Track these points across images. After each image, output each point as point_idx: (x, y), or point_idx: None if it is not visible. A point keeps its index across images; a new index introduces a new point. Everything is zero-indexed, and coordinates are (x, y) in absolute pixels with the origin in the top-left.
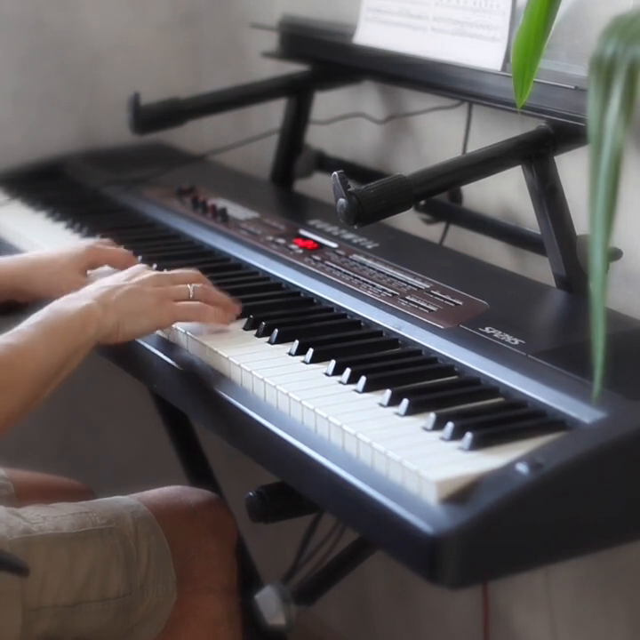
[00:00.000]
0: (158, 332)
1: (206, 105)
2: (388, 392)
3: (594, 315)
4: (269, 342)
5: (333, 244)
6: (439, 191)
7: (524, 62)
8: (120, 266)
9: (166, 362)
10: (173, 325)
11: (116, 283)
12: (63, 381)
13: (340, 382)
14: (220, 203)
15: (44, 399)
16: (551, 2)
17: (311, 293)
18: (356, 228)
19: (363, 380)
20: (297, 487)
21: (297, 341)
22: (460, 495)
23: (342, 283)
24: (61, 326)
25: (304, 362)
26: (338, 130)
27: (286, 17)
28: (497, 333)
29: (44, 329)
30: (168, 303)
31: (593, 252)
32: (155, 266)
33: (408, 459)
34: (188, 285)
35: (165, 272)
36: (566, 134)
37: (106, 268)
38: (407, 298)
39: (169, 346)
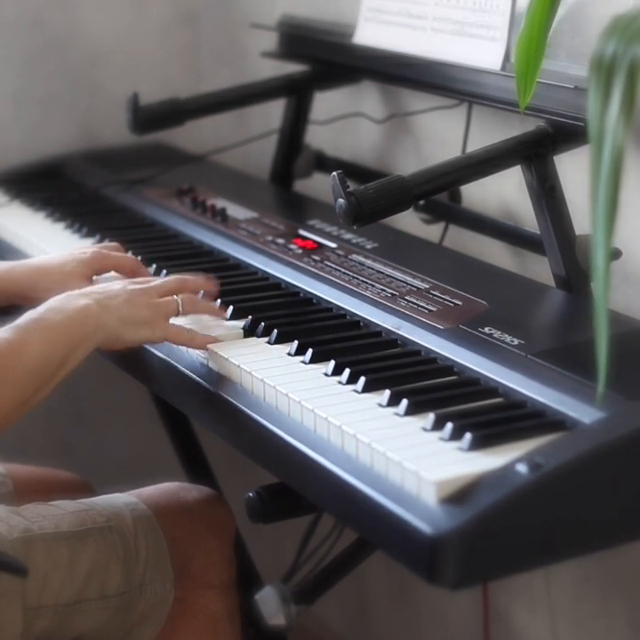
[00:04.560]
0: None
1: (206, 105)
2: (388, 392)
3: (597, 315)
4: (269, 342)
5: (333, 244)
6: (438, 191)
7: (526, 63)
8: (126, 271)
9: (166, 362)
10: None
11: (112, 289)
12: (63, 381)
13: (340, 382)
14: (220, 203)
15: (42, 399)
16: (552, 2)
17: (310, 293)
18: (355, 228)
19: (362, 380)
20: (296, 487)
21: (296, 341)
22: (460, 495)
23: (342, 283)
24: (59, 323)
25: (303, 362)
26: (337, 130)
27: (286, 17)
28: (496, 333)
29: (41, 325)
30: (162, 321)
31: (595, 253)
32: (154, 266)
33: (407, 459)
34: (176, 297)
35: (149, 285)
36: (566, 134)
37: (112, 273)
38: (406, 298)
39: (168, 347)
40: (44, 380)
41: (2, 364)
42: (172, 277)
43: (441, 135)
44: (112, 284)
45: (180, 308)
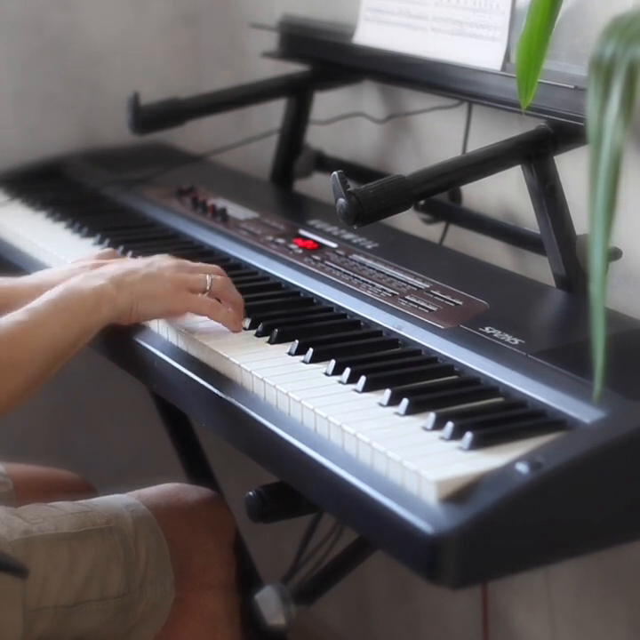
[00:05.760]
0: (158, 333)
1: (206, 105)
2: (388, 392)
3: (594, 315)
4: (269, 342)
5: (333, 244)
6: (439, 191)
7: (528, 63)
8: None
9: (166, 362)
10: (173, 325)
11: (134, 265)
12: (73, 359)
13: (340, 382)
14: (220, 203)
15: (53, 376)
16: (554, 2)
17: (311, 293)
18: (355, 227)
19: (362, 379)
20: (296, 487)
21: (297, 341)
22: (460, 495)
23: (342, 282)
24: (75, 305)
25: (304, 361)
26: (337, 130)
27: (286, 17)
28: (497, 333)
29: (56, 307)
30: (183, 292)
31: (593, 252)
32: None
33: (408, 458)
34: (207, 276)
35: (188, 262)
36: (566, 134)
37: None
38: (407, 298)
39: (169, 346)
40: (55, 361)
41: (17, 346)
42: (214, 266)
43: (441, 135)
44: (129, 263)
45: (208, 286)
